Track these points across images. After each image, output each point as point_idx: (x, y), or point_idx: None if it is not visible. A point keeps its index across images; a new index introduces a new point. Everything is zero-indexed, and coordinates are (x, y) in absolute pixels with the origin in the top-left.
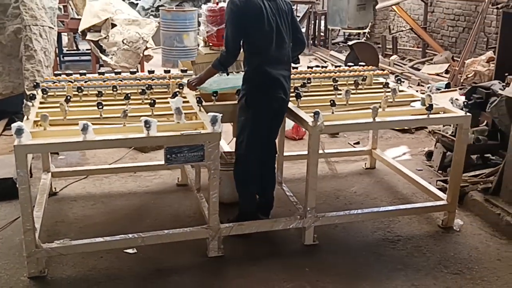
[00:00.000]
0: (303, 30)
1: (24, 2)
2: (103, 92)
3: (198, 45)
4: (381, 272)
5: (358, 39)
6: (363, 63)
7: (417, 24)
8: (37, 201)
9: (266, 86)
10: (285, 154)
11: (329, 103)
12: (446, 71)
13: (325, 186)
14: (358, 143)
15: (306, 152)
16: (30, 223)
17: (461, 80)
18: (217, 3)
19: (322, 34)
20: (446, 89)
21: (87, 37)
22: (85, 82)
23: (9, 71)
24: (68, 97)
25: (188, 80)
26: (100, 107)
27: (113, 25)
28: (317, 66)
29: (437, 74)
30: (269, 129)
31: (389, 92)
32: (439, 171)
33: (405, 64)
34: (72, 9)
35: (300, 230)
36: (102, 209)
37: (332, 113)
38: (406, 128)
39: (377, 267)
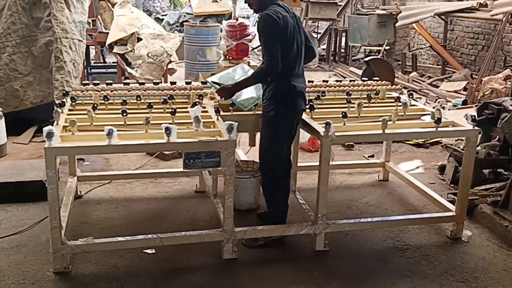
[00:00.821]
0: (324, 46)
1: (56, 16)
2: (127, 100)
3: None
4: (388, 278)
5: (377, 55)
6: (377, 78)
7: (437, 42)
8: (63, 202)
9: (294, 100)
10: (299, 164)
11: (341, 115)
12: (465, 89)
13: (338, 196)
14: (372, 156)
15: (314, 163)
16: (57, 221)
17: (478, 97)
18: (237, 19)
19: (342, 50)
20: (463, 106)
21: (114, 50)
22: (111, 91)
23: (40, 81)
24: (95, 105)
25: (222, 86)
26: (125, 114)
27: (139, 39)
28: (333, 80)
29: (455, 91)
30: (292, 140)
31: (400, 106)
32: (451, 185)
33: (423, 81)
34: (100, 23)
35: (311, 237)
36: (123, 212)
37: (344, 124)
38: (420, 142)
39: (384, 273)
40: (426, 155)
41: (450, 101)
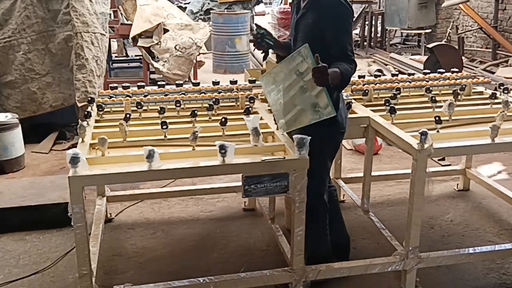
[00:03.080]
0: (356, 31)
1: (75, 8)
2: (165, 107)
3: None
4: None
5: (419, 40)
6: (443, 69)
7: (486, 23)
8: (92, 232)
9: (340, 113)
10: (358, 174)
11: (432, 119)
12: None
13: None
14: (443, 159)
15: (387, 172)
16: (87, 267)
17: None
18: (290, 4)
19: (378, 35)
20: None
21: (139, 44)
22: (145, 96)
23: (60, 81)
24: (128, 115)
25: (323, 65)
26: (165, 127)
27: (165, 31)
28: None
29: None
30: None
31: (496, 104)
32: None
33: (476, 67)
34: (121, 14)
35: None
36: (162, 239)
37: (437, 131)
38: None
39: None
40: (505, 156)
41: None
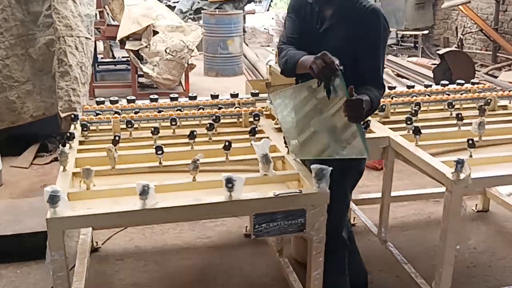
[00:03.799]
0: None
1: (57, 10)
2: (159, 127)
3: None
4: None
5: (416, 41)
6: (460, 79)
7: (487, 24)
8: (76, 269)
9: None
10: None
11: (459, 140)
12: None
13: (431, 237)
14: None
15: (403, 193)
16: None
17: None
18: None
19: None
20: None
21: (126, 46)
22: (135, 112)
23: (41, 89)
24: (117, 137)
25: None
26: (160, 152)
27: (155, 33)
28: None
29: None
30: None
31: None
32: None
33: (478, 71)
34: (108, 14)
35: None
36: (155, 273)
37: (470, 156)
38: None
39: None
40: None
41: None
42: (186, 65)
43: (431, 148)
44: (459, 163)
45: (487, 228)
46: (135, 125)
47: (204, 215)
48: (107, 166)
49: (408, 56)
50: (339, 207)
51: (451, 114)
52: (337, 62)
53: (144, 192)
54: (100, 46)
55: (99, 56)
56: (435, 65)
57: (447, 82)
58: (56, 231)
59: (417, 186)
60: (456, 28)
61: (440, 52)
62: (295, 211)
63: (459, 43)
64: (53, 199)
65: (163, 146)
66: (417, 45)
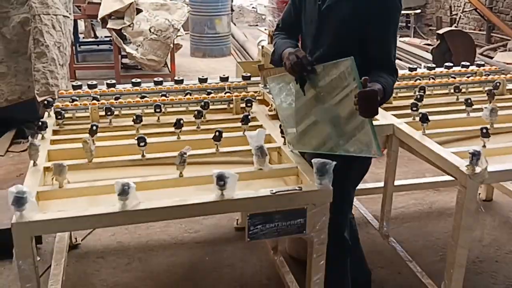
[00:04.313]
0: None
1: None
2: (142, 114)
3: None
4: None
5: (408, 21)
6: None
7: (482, 3)
8: (52, 270)
9: None
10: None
11: (468, 128)
12: None
13: (433, 230)
14: None
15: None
16: None
17: None
18: None
19: None
20: None
21: (108, 25)
22: (116, 98)
23: (16, 71)
24: (94, 127)
25: (372, 88)
26: (142, 144)
27: (138, 11)
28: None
29: None
30: None
31: None
32: None
33: None
34: None
35: None
36: (140, 272)
37: (484, 146)
38: None
39: None
40: None
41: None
42: (171, 45)
43: (439, 137)
44: (475, 155)
45: (492, 220)
46: (116, 112)
47: (192, 215)
48: (83, 160)
49: (400, 36)
50: (340, 205)
51: (457, 99)
52: (310, 58)
53: (123, 193)
54: (82, 24)
55: (80, 36)
56: (433, 46)
57: (451, 64)
58: (23, 238)
59: (415, 172)
60: (450, 7)
61: (440, 31)
62: (294, 210)
63: (453, 23)
64: (19, 201)
65: (146, 137)
66: (409, 24)
